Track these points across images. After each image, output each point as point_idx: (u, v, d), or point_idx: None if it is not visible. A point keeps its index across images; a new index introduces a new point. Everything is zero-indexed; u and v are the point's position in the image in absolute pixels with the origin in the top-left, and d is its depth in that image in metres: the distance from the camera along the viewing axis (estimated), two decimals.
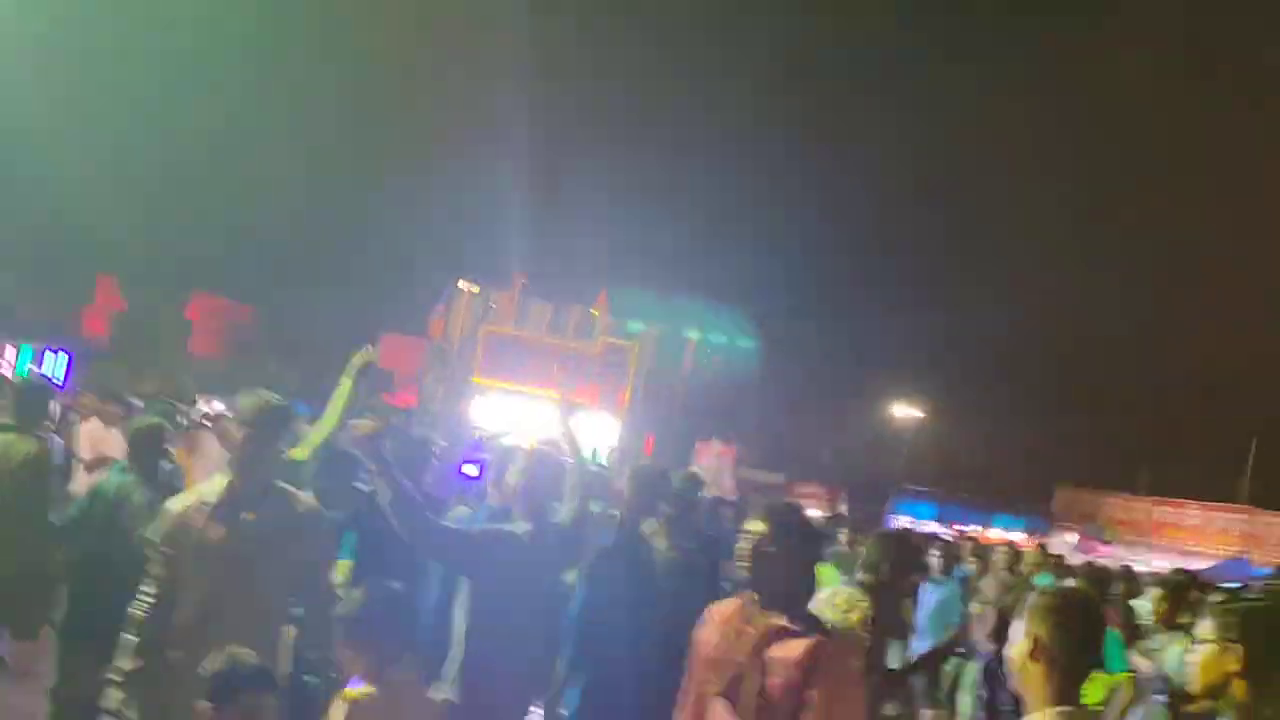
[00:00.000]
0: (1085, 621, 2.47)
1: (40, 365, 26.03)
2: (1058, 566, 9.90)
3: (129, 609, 3.33)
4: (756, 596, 2.87)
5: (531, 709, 4.04)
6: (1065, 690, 2.36)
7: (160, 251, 38.99)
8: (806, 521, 3.06)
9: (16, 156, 26.91)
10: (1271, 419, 32.77)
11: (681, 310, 14.61)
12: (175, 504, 3.50)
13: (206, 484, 3.48)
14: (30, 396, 5.41)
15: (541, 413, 12.01)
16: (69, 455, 8.67)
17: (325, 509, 4.68)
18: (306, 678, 3.61)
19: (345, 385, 4.82)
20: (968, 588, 9.03)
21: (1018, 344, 47.52)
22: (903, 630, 6.37)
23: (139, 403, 16.34)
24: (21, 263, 36.78)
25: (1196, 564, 22.88)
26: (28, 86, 23.07)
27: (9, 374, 24.36)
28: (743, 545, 2.88)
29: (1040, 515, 35.15)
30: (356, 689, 3.00)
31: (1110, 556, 26.39)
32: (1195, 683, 2.56)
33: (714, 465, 33.58)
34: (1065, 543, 31.52)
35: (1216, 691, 2.50)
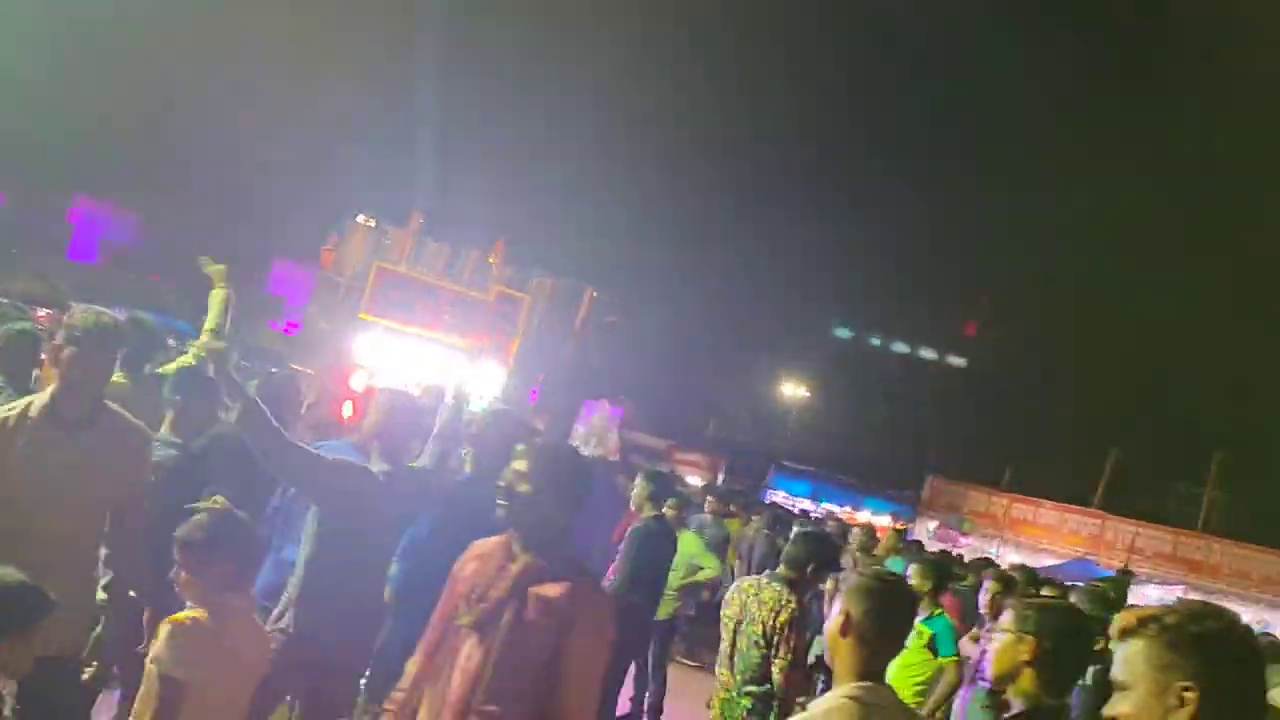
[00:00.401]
0: (894, 605, 2.62)
1: None
2: (910, 551, 10.29)
3: None
4: (519, 535, 2.83)
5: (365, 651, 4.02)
6: (869, 666, 2.50)
7: (47, 151, 37.03)
8: (574, 465, 2.99)
9: None
10: (1131, 432, 34.57)
11: (580, 266, 14.66)
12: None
13: (34, 398, 3.33)
14: None
15: (425, 355, 11.92)
16: None
17: (187, 429, 4.60)
18: (130, 600, 3.55)
19: (219, 294, 4.77)
20: None
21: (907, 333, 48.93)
22: (819, 625, 6.63)
23: (4, 301, 15.64)
24: None
25: (1046, 561, 24.13)
26: None
27: None
28: (501, 483, 2.85)
29: (909, 503, 36.44)
30: (183, 613, 2.98)
31: (968, 548, 27.61)
32: (990, 669, 2.74)
33: (600, 425, 33.86)
34: (926, 530, 32.82)
35: (1008, 679, 2.68)
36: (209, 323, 4.85)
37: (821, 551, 5.09)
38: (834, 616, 2.59)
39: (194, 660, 2.83)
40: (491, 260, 12.84)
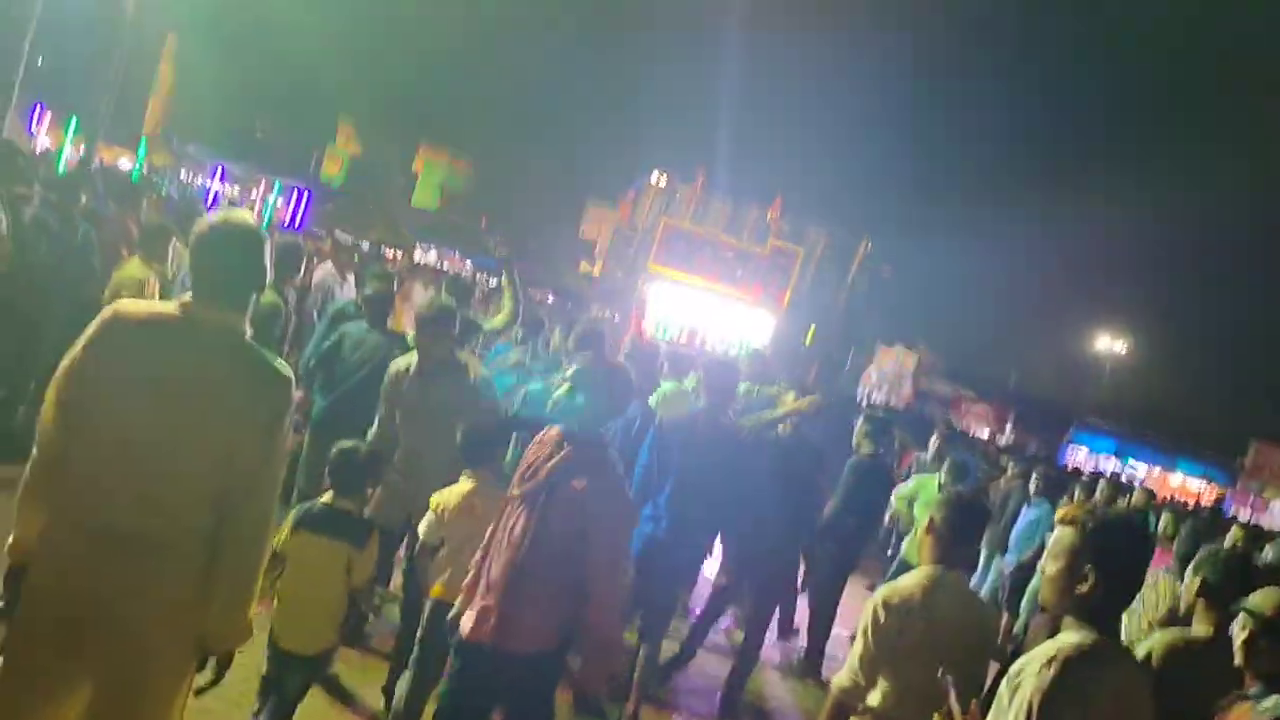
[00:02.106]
0: (965, 515, 3.42)
1: (287, 201, 29.01)
2: (1156, 506, 10.26)
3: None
4: (567, 432, 3.36)
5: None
6: (943, 558, 3.33)
7: (395, 105, 41.62)
8: (612, 384, 3.45)
9: (269, 8, 29.40)
10: None
11: (855, 219, 15.13)
12: (395, 364, 4.82)
13: (408, 358, 4.77)
14: (285, 256, 6.55)
15: (704, 304, 13.10)
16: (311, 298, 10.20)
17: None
18: None
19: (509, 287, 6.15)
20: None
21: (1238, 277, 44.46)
22: None
23: (365, 245, 18.30)
24: (275, 104, 40.19)
25: None
26: None
27: (262, 205, 27.26)
28: (556, 394, 3.49)
29: (1227, 468, 33.82)
30: (457, 487, 4.21)
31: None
32: None
33: (893, 370, 33.85)
34: (1246, 502, 30.35)
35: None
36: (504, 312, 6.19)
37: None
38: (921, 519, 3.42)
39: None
40: (770, 216, 13.73)
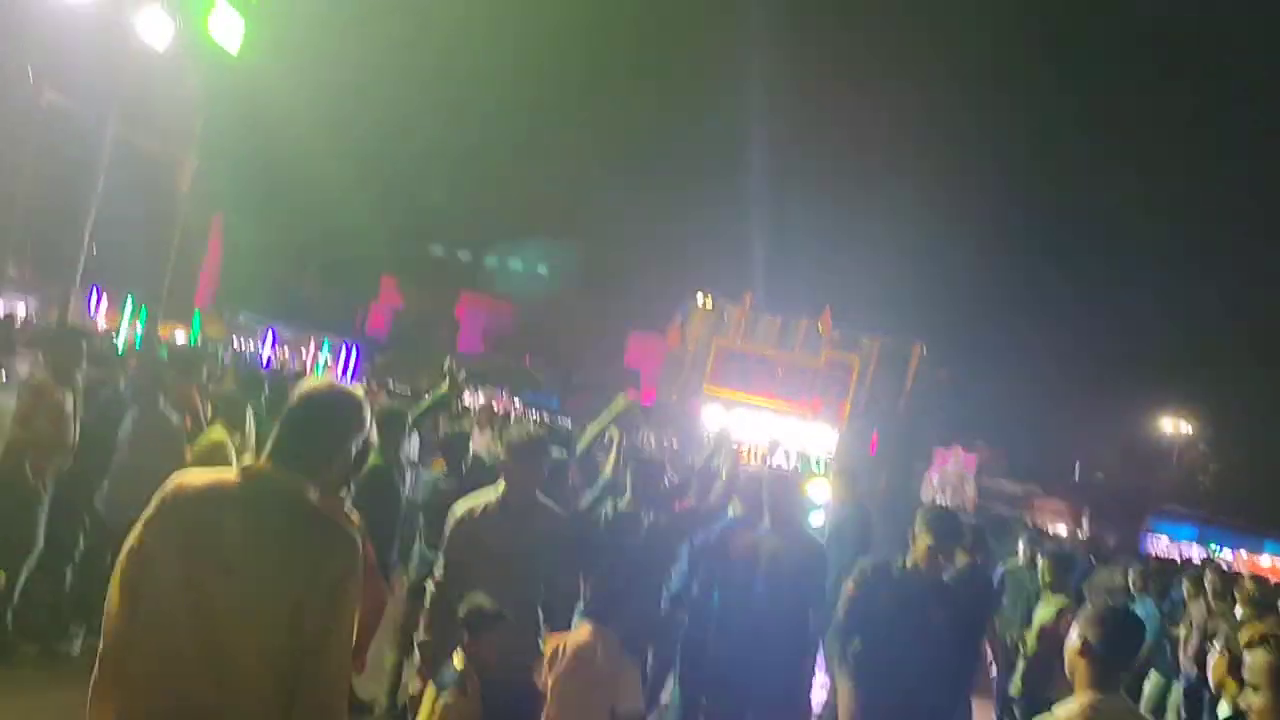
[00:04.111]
0: (1125, 630, 3.14)
1: (335, 357, 29.59)
2: (1264, 596, 9.68)
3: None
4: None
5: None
6: (1102, 680, 3.04)
7: (432, 258, 42.75)
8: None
9: (316, 171, 30.65)
10: None
11: (907, 324, 15.03)
12: (460, 507, 4.46)
13: (486, 492, 4.46)
14: (390, 421, 6.45)
15: (763, 422, 12.91)
16: None
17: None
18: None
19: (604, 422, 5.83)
20: (1175, 610, 9.08)
21: None
22: None
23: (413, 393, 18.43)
24: (321, 265, 41.42)
25: None
26: (305, 111, 26.21)
27: (311, 364, 27.82)
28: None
29: None
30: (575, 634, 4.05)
31: None
32: None
33: (955, 473, 33.09)
34: None
35: None
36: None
37: None
38: (1071, 638, 3.13)
39: None
40: (820, 328, 13.65)
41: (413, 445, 8.93)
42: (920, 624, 4.42)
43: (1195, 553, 31.96)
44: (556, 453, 6.02)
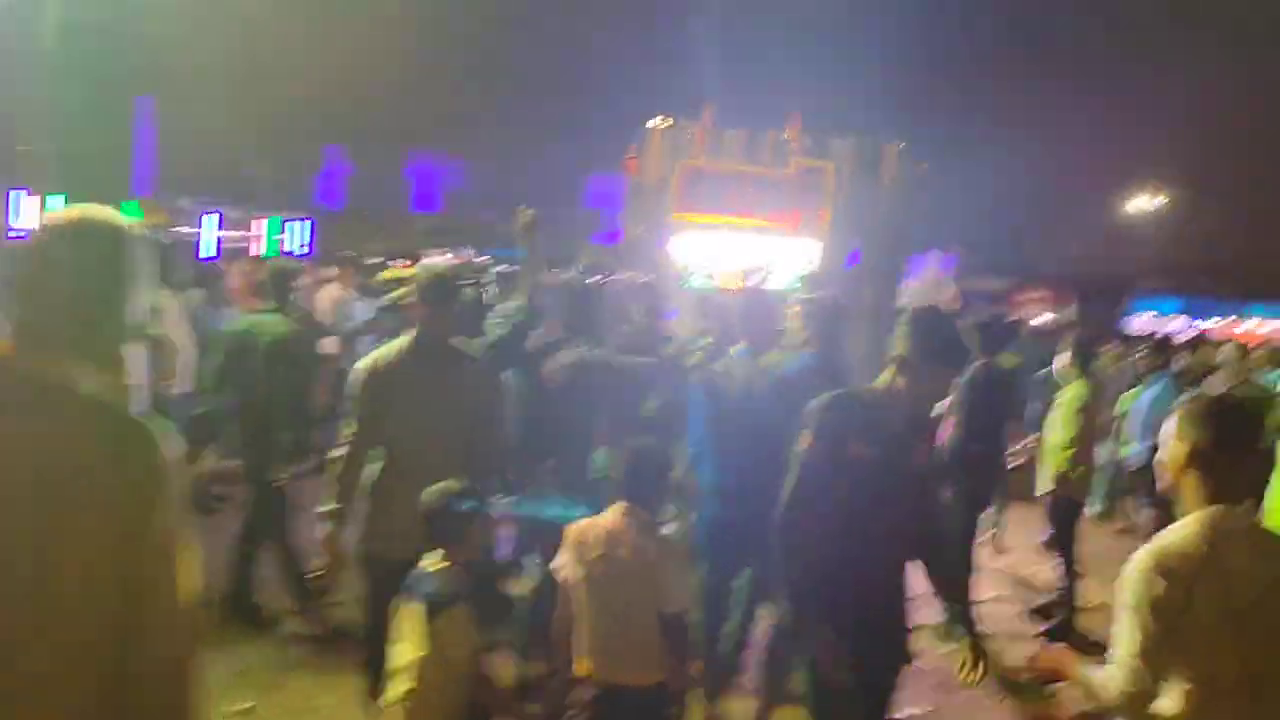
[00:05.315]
0: (1242, 426, 2.44)
1: (285, 235, 28.52)
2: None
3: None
4: None
5: None
6: (1221, 490, 2.36)
7: (378, 117, 40.90)
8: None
9: (246, 45, 28.82)
10: None
11: (880, 121, 13.98)
12: (363, 361, 4.12)
13: (398, 340, 4.07)
14: (279, 279, 6.15)
15: (739, 243, 12.12)
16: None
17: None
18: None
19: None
20: (1180, 385, 8.55)
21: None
22: None
23: (373, 260, 17.65)
24: (262, 141, 39.55)
25: None
26: None
27: (259, 248, 26.83)
28: None
29: None
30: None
31: None
32: None
33: (932, 276, 32.61)
34: None
35: None
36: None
37: None
38: (1170, 444, 2.46)
39: None
40: (788, 135, 12.70)
41: None
42: (899, 469, 3.34)
43: (1181, 324, 31.91)
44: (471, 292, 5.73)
